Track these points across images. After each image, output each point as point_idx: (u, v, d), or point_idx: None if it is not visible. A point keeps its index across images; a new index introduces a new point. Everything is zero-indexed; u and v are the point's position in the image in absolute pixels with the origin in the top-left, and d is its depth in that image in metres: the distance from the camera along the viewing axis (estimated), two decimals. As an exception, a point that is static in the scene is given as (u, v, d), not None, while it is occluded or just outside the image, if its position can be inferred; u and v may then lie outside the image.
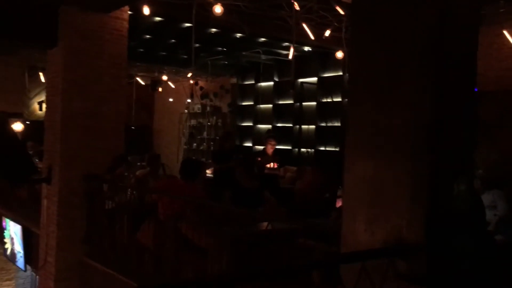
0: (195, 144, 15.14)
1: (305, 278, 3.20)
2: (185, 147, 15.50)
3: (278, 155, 8.56)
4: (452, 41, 2.60)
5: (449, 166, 2.56)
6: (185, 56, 10.86)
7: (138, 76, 14.74)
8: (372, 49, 2.77)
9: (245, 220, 3.74)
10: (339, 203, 5.11)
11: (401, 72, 2.59)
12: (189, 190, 4.97)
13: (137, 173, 7.62)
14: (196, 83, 13.84)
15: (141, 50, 10.56)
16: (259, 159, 7.96)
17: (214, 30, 8.69)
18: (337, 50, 8.37)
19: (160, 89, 14.87)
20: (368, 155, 2.76)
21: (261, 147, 11.24)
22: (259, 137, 12.54)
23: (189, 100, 14.21)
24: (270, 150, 8.39)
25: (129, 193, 5.48)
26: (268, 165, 7.94)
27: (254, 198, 5.30)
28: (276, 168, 8.08)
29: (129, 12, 6.55)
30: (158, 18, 7.97)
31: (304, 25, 7.16)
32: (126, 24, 6.53)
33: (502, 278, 2.91)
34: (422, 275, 2.49)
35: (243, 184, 5.50)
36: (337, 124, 10.50)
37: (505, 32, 6.37)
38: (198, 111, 15.07)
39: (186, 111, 15.48)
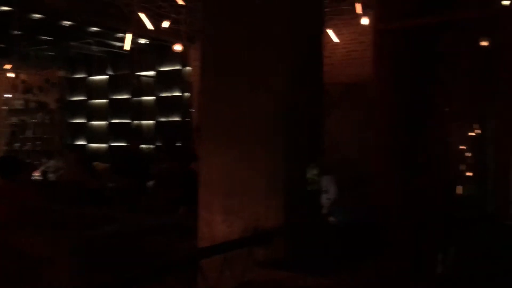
0: (17, 144, 13.55)
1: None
2: (5, 147, 13.78)
3: None
4: (303, 34, 2.70)
5: (303, 153, 2.66)
6: (3, 45, 9.60)
7: None
8: (228, 37, 2.73)
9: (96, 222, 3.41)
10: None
11: (258, 59, 2.60)
12: (11, 193, 4.32)
13: None
14: (17, 76, 12.37)
15: None
16: None
17: (38, 16, 7.83)
18: (176, 43, 8.23)
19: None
20: (225, 145, 2.72)
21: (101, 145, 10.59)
22: (93, 135, 11.78)
23: (9, 95, 12.65)
24: None
25: None
26: None
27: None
28: None
29: None
30: (-34, -1, 6.86)
31: (142, 15, 6.86)
32: None
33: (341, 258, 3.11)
34: (281, 260, 2.54)
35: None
36: (178, 118, 10.38)
37: (329, 31, 6.97)
38: (20, 107, 13.52)
39: (5, 107, 13.76)
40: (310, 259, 2.62)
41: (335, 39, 6.99)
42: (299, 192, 2.62)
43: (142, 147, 10.71)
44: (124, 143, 11.14)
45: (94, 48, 10.42)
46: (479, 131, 6.33)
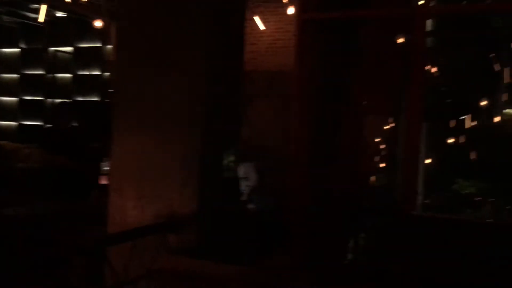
0: None
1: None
2: None
3: None
4: (223, 18, 2.63)
5: (221, 139, 2.61)
6: None
7: None
8: (145, 15, 2.60)
9: None
10: (102, 181, 4.80)
11: (175, 41, 2.50)
12: None
13: None
14: None
15: None
16: None
17: None
18: (96, 19, 7.81)
19: None
20: (139, 128, 2.60)
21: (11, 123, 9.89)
22: (2, 112, 10.96)
23: None
24: None
25: None
26: None
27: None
28: None
29: None
30: None
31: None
32: None
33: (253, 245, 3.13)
34: (194, 247, 2.49)
35: None
36: (96, 98, 9.92)
37: (256, 18, 6.94)
38: None
39: None
40: (223, 247, 2.60)
41: (261, 26, 6.98)
42: (215, 179, 2.58)
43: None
44: (40, 122, 10.48)
45: (5, 18, 9.64)
46: (393, 124, 6.66)
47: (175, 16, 2.52)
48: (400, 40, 4.32)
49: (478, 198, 6.71)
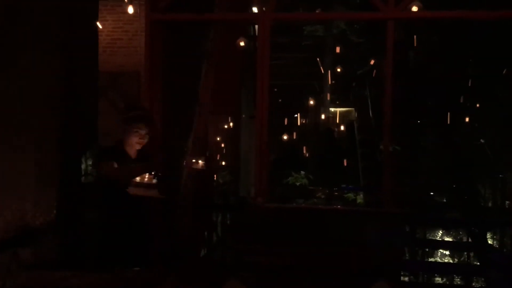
0: None
1: None
2: None
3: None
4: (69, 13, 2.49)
5: (78, 144, 2.46)
6: None
7: None
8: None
9: None
10: None
11: (26, 46, 2.28)
12: None
13: None
14: None
15: None
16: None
17: None
18: None
19: None
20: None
21: None
22: None
23: None
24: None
25: None
26: None
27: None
28: None
29: None
30: None
31: None
32: None
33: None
34: (53, 258, 2.32)
35: None
36: None
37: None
38: None
39: None
40: (85, 256, 2.46)
41: (98, 25, 6.68)
42: (75, 186, 2.43)
43: None
44: None
45: None
46: (234, 124, 6.99)
47: (18, 15, 2.31)
48: (242, 44, 4.56)
49: (311, 188, 7.45)
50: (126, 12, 6.04)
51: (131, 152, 2.44)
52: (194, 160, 2.50)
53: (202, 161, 2.53)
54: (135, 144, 2.44)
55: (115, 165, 2.29)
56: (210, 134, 5.94)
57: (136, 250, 2.50)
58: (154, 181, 2.37)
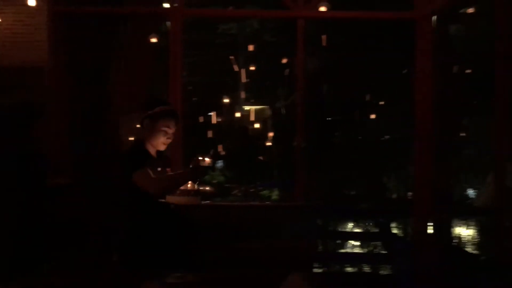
0: None
1: None
2: None
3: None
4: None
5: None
6: None
7: None
8: None
9: None
10: None
11: None
12: None
13: None
14: None
15: None
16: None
17: None
18: None
19: None
20: None
21: None
22: None
23: None
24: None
25: None
26: None
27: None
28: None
29: None
30: None
31: None
32: None
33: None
34: None
35: None
36: None
37: None
38: None
39: None
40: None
41: (-5, 18, 6.19)
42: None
43: None
44: None
45: None
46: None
47: None
48: (154, 40, 4.46)
49: (227, 185, 7.47)
50: (27, 5, 5.68)
51: (153, 152, 2.23)
52: (200, 158, 2.30)
53: (208, 158, 2.35)
54: (160, 144, 2.22)
55: (152, 174, 2.09)
56: (122, 133, 5.75)
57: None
58: (196, 187, 2.28)
